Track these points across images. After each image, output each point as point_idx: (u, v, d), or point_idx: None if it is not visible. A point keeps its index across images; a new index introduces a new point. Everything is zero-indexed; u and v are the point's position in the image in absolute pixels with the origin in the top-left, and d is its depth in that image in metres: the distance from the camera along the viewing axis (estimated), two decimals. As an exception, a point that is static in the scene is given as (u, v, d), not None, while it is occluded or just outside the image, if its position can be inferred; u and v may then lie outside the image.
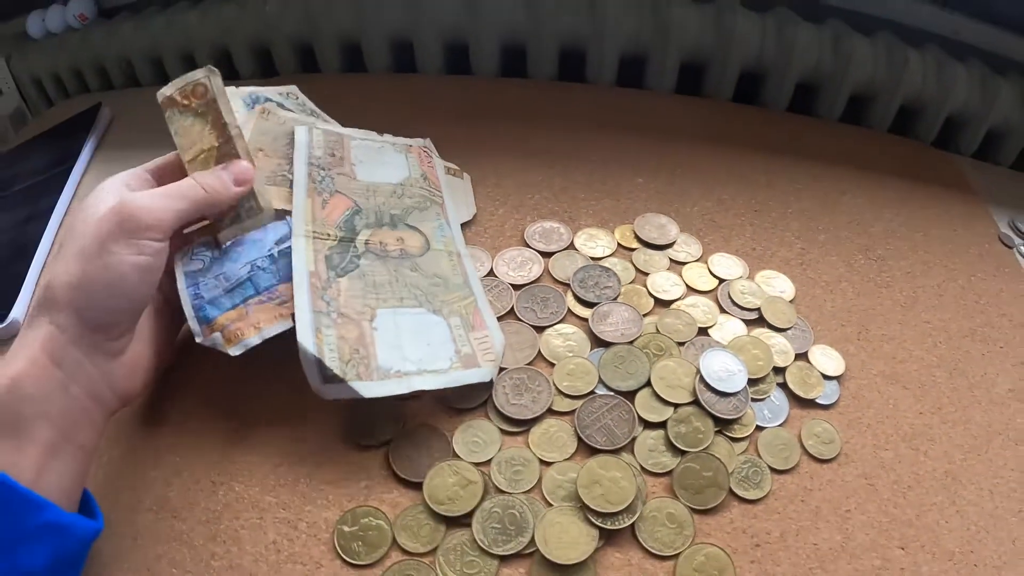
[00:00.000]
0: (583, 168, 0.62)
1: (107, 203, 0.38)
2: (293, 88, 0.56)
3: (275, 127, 0.50)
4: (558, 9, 0.69)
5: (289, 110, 0.52)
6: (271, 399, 0.45)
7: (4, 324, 0.50)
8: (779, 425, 0.44)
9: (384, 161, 0.53)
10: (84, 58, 0.94)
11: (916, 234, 0.60)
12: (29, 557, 0.32)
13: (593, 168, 0.62)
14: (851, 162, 0.67)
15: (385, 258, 0.46)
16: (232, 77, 0.82)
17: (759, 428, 0.43)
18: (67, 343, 0.36)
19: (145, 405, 0.45)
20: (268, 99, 0.52)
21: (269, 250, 0.44)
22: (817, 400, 0.45)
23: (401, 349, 0.41)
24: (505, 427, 0.42)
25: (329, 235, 0.45)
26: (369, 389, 0.39)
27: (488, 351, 0.44)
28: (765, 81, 0.72)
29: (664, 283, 0.51)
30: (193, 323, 0.41)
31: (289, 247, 0.43)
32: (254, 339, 0.40)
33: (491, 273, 0.51)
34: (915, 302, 0.54)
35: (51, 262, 0.39)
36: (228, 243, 0.44)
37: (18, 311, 0.51)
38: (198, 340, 0.41)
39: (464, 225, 0.55)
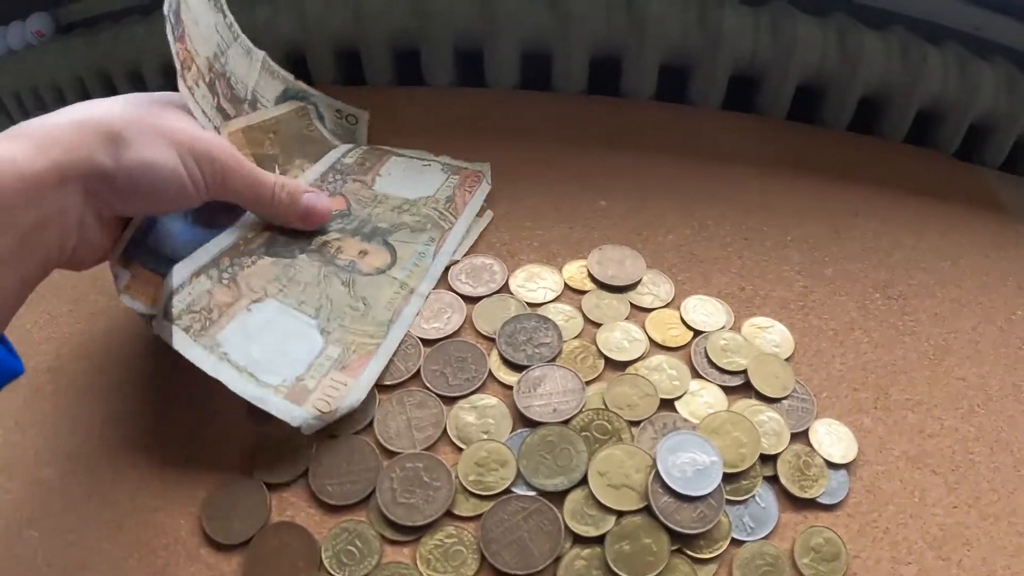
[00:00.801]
0: (535, 188, 0.50)
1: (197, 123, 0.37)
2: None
3: (303, 129, 0.48)
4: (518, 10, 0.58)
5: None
6: (127, 457, 0.37)
7: None
8: (764, 537, 0.31)
9: (417, 179, 0.48)
10: (40, 76, 0.89)
11: (943, 263, 0.48)
12: None
13: (548, 188, 0.50)
14: (862, 177, 0.54)
15: (325, 264, 0.40)
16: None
17: (736, 542, 0.31)
18: (87, 169, 0.31)
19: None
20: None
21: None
22: (818, 499, 0.33)
23: (250, 340, 0.36)
24: (389, 534, 0.31)
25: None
26: (183, 344, 0.34)
27: (328, 400, 0.34)
28: (761, 84, 0.60)
29: (620, 339, 0.38)
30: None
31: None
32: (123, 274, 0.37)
33: (399, 323, 0.39)
34: (947, 353, 0.41)
35: (102, 100, 0.34)
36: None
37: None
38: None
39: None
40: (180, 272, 0.36)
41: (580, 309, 0.40)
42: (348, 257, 0.41)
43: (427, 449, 0.34)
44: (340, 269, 0.40)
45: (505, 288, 0.41)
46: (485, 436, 0.33)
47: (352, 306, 0.39)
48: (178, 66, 0.38)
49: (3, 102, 0.99)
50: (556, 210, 0.48)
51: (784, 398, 0.36)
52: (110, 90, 0.82)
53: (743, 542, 0.31)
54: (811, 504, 0.33)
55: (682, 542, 0.30)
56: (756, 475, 0.32)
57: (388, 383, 0.36)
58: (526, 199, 0.49)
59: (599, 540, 0.30)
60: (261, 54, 0.47)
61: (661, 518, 0.30)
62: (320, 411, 0.34)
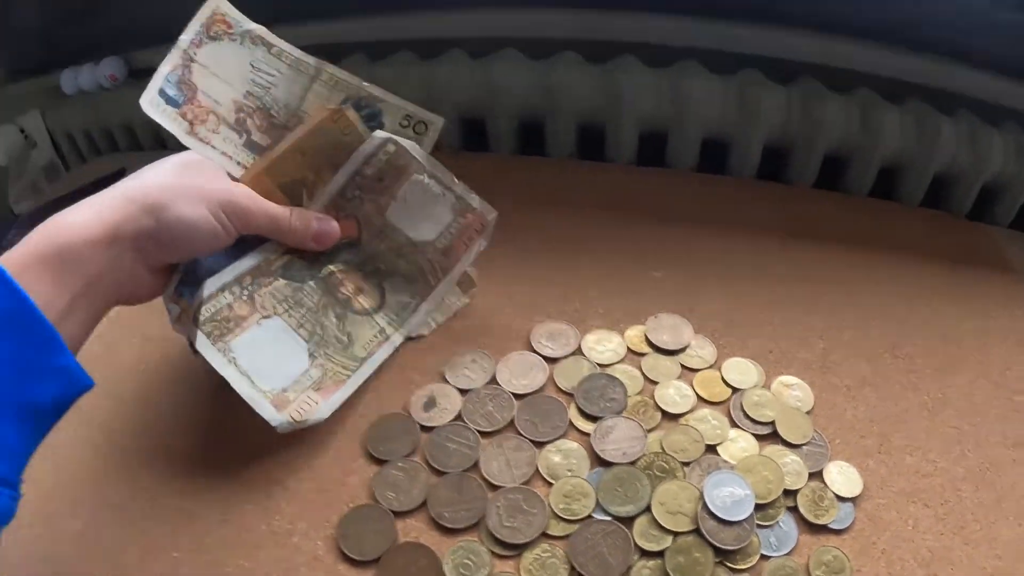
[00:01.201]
0: (597, 261, 0.62)
1: (222, 174, 0.47)
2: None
3: (338, 136, 0.52)
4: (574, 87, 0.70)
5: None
6: (262, 490, 0.47)
7: None
8: (786, 554, 0.42)
9: (428, 213, 0.53)
10: (113, 117, 0.98)
11: (948, 323, 0.58)
12: (38, 392, 0.35)
13: (606, 260, 0.62)
14: (882, 243, 0.65)
15: (326, 294, 0.51)
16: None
17: (764, 557, 0.42)
18: (134, 231, 0.41)
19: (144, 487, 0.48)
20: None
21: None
22: (829, 525, 0.44)
23: (254, 350, 0.47)
24: (497, 550, 0.42)
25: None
26: (202, 344, 0.45)
27: (300, 412, 0.46)
28: (791, 156, 0.71)
29: (673, 395, 0.50)
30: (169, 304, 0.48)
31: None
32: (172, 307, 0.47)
33: (493, 380, 0.51)
34: (944, 405, 0.51)
35: (147, 171, 0.45)
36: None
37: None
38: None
39: (470, 323, 0.56)
40: (210, 286, 0.46)
41: (640, 369, 0.52)
42: (346, 293, 0.52)
43: (524, 484, 0.45)
44: (337, 303, 0.51)
45: (578, 350, 0.53)
46: (570, 473, 0.45)
47: (338, 338, 0.50)
48: (185, 126, 0.50)
49: (73, 138, 1.09)
50: (614, 280, 0.60)
51: (804, 444, 0.47)
52: None
53: (770, 557, 0.42)
54: (823, 529, 0.43)
55: (723, 556, 0.41)
56: (780, 505, 0.44)
57: (488, 430, 0.48)
58: (594, 267, 0.61)
59: (660, 554, 0.42)
60: (313, 67, 0.53)
61: (707, 537, 0.42)
62: (294, 419, 0.46)
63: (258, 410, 0.45)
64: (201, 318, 0.45)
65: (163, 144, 0.94)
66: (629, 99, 0.69)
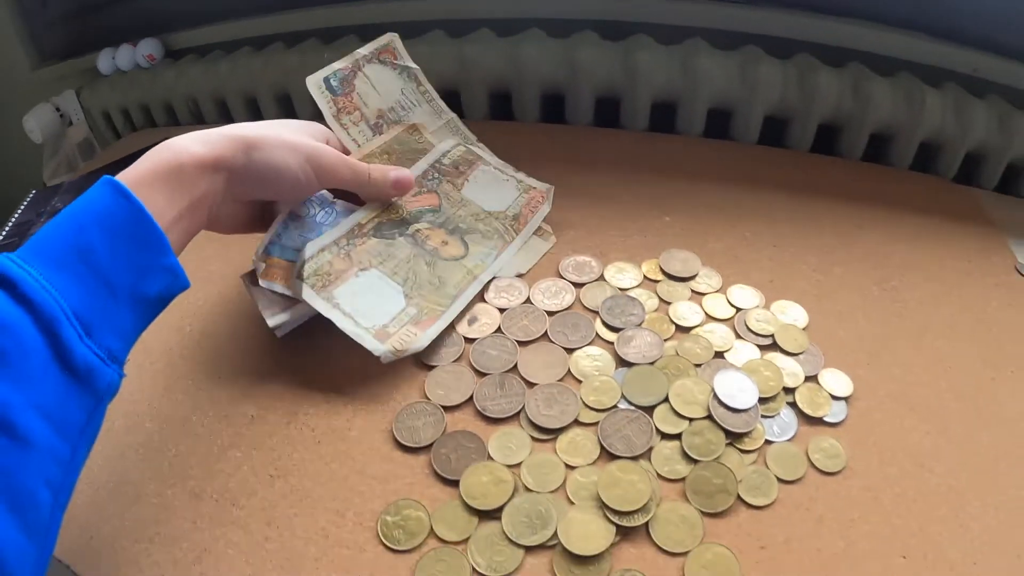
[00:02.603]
0: (617, 208, 0.68)
1: (320, 138, 0.54)
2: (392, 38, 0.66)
3: (414, 143, 0.63)
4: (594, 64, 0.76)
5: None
6: (321, 396, 0.52)
7: None
8: (787, 440, 0.47)
9: (496, 192, 0.64)
10: (152, 95, 1.04)
11: (931, 266, 0.62)
12: (148, 286, 0.40)
13: (624, 208, 0.68)
14: (870, 199, 0.70)
15: (416, 246, 0.57)
16: (291, 117, 0.90)
17: (768, 442, 0.47)
18: (231, 164, 0.46)
19: (209, 401, 0.53)
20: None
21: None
22: (825, 418, 0.49)
23: (355, 296, 0.52)
24: (536, 435, 0.48)
25: (399, 212, 0.58)
26: (309, 296, 0.50)
27: (402, 342, 0.51)
28: (789, 124, 0.77)
29: (685, 311, 0.56)
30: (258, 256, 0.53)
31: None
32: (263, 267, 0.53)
33: (528, 301, 0.57)
34: (927, 331, 0.56)
35: (259, 122, 0.51)
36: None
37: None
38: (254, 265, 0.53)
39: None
40: (311, 248, 0.52)
41: (656, 292, 0.58)
42: (433, 244, 0.57)
43: (558, 381, 0.51)
44: (426, 252, 0.57)
45: (601, 277, 0.59)
46: (597, 372, 0.51)
47: (430, 281, 0.55)
48: (334, 110, 0.60)
49: (109, 116, 1.14)
50: (633, 222, 0.66)
51: (800, 353, 0.53)
52: (223, 110, 0.98)
53: (773, 442, 0.47)
54: (820, 422, 0.48)
55: (733, 439, 0.47)
56: (781, 400, 0.49)
57: (525, 340, 0.54)
58: (612, 214, 0.67)
59: (678, 436, 0.47)
60: (446, 114, 0.67)
61: (719, 421, 0.47)
62: (396, 349, 0.50)
63: (363, 343, 0.50)
64: (306, 273, 0.51)
65: (201, 119, 0.99)
66: (644, 73, 0.75)
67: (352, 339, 0.50)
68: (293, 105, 0.91)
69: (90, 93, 1.13)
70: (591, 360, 0.52)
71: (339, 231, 0.54)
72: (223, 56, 0.97)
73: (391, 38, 0.65)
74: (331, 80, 0.60)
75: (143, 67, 1.05)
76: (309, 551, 0.43)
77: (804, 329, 0.55)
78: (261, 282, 0.52)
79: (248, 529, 0.44)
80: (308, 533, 0.44)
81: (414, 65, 0.65)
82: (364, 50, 0.63)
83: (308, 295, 0.50)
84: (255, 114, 0.96)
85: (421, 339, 0.52)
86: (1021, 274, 0.63)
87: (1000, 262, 0.64)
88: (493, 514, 0.43)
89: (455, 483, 0.45)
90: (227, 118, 0.98)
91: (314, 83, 0.60)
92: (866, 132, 0.75)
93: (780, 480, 0.45)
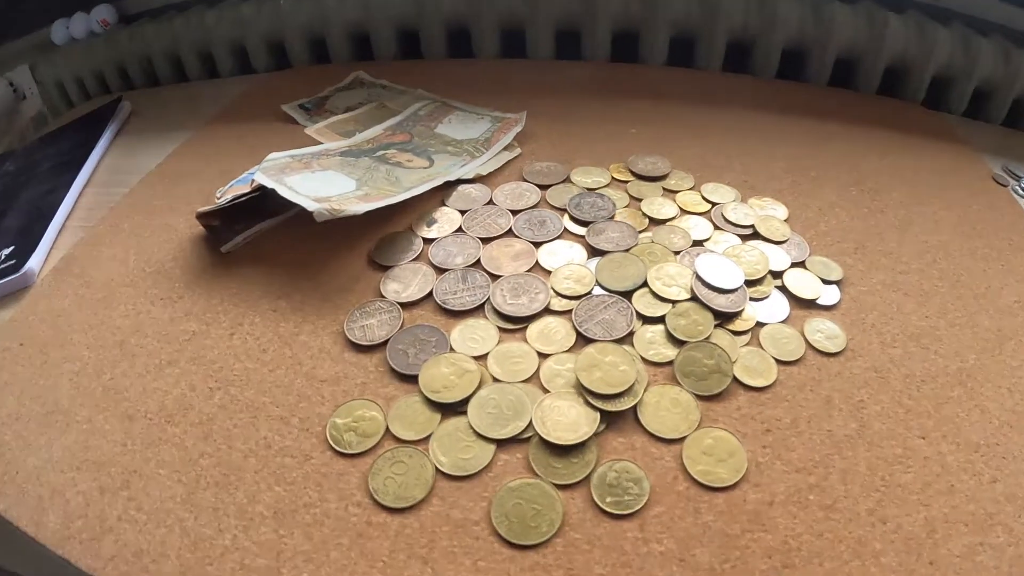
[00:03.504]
0: (582, 123, 0.63)
1: None
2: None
3: (383, 116, 0.64)
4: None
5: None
6: (268, 305, 0.46)
7: (20, 274, 0.50)
8: (781, 322, 0.42)
9: (469, 126, 0.62)
10: (107, 60, 0.96)
11: (906, 172, 0.59)
12: None
13: (591, 123, 0.63)
14: (839, 116, 0.66)
15: (380, 161, 0.54)
16: (247, 71, 0.85)
17: (760, 324, 0.41)
18: None
19: (150, 322, 0.45)
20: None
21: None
22: (818, 301, 0.43)
23: (307, 181, 0.49)
24: (503, 324, 0.41)
25: (369, 143, 0.58)
26: (260, 177, 0.48)
27: (340, 203, 0.46)
28: (752, 50, 0.73)
29: (658, 205, 0.50)
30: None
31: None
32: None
33: (490, 202, 0.51)
34: (911, 225, 0.52)
35: None
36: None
37: (34, 263, 0.51)
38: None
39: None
40: (272, 156, 0.50)
41: (626, 191, 0.52)
42: (398, 160, 0.54)
43: (527, 271, 0.45)
44: (388, 164, 0.54)
45: (567, 179, 0.53)
46: (568, 262, 0.45)
47: (386, 178, 0.51)
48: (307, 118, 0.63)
49: (63, 86, 1.05)
50: (600, 133, 0.60)
51: (784, 241, 0.47)
52: (177, 69, 0.92)
53: (765, 324, 0.41)
54: (813, 305, 0.43)
55: (722, 319, 0.41)
56: (769, 283, 0.44)
57: (486, 236, 0.48)
58: (576, 129, 0.61)
59: (661, 320, 0.41)
60: (418, 91, 0.69)
61: (705, 302, 0.41)
62: (332, 208, 0.44)
63: (297, 201, 0.45)
64: (263, 166, 0.50)
65: (155, 81, 0.93)
66: (663, 6, 0.71)
67: (300, 249, 0.47)
68: (248, 56, 0.85)
69: (45, 65, 1.06)
70: (561, 251, 0.46)
71: (303, 151, 0.52)
72: (177, 15, 0.90)
73: (357, 74, 0.73)
74: (306, 104, 0.67)
75: (97, 33, 0.98)
76: (249, 463, 0.36)
77: (785, 221, 0.50)
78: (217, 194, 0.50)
79: (183, 446, 0.37)
80: (248, 445, 0.37)
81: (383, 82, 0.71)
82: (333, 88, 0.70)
83: (260, 177, 0.48)
84: (211, 71, 0.90)
85: (359, 206, 0.46)
86: (999, 184, 0.60)
87: (975, 173, 0.61)
88: (457, 408, 0.37)
89: (413, 379, 0.38)
90: (181, 77, 0.92)
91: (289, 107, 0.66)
92: (831, 56, 0.71)
93: (778, 361, 0.40)
